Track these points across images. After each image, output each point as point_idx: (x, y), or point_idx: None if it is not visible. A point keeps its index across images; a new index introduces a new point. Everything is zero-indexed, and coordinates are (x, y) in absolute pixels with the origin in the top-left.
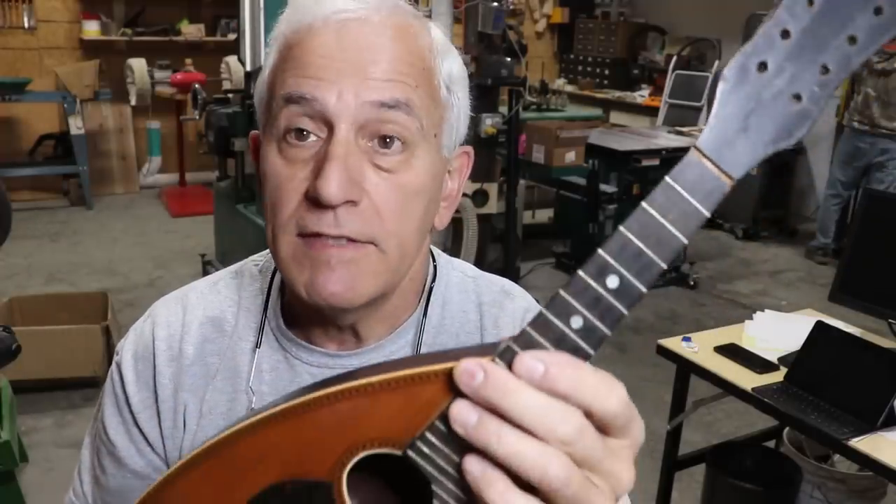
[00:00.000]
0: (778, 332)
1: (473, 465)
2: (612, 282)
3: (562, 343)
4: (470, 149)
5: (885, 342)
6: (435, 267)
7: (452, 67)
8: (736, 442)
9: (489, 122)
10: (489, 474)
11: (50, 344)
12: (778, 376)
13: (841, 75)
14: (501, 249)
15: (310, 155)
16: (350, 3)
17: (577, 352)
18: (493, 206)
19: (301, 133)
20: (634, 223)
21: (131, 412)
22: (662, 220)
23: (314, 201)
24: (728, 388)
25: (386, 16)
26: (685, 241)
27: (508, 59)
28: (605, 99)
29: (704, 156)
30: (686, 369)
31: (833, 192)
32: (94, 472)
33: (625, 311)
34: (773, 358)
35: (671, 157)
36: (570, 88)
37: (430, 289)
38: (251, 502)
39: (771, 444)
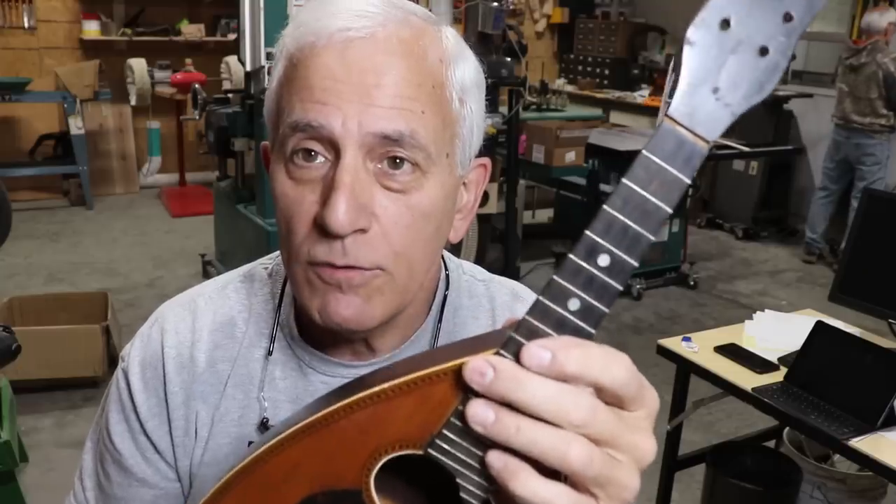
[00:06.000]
0: (778, 332)
1: (495, 460)
2: (604, 260)
3: (562, 327)
4: (487, 160)
5: (885, 342)
6: (447, 275)
7: (465, 74)
8: (736, 442)
9: (489, 122)
10: (511, 466)
11: (50, 344)
12: (778, 376)
13: (805, 20)
14: (501, 249)
15: (318, 175)
16: (355, 20)
17: (578, 333)
18: (493, 206)
19: (309, 153)
20: (617, 199)
21: (139, 420)
22: (644, 193)
23: (323, 230)
24: (728, 388)
25: (393, 31)
26: (669, 210)
27: (508, 59)
28: (605, 99)
29: (678, 123)
30: (686, 369)
31: (822, 185)
32: (98, 479)
33: (620, 287)
34: (773, 358)
35: None
36: (570, 88)
37: (445, 297)
38: None
39: (771, 444)
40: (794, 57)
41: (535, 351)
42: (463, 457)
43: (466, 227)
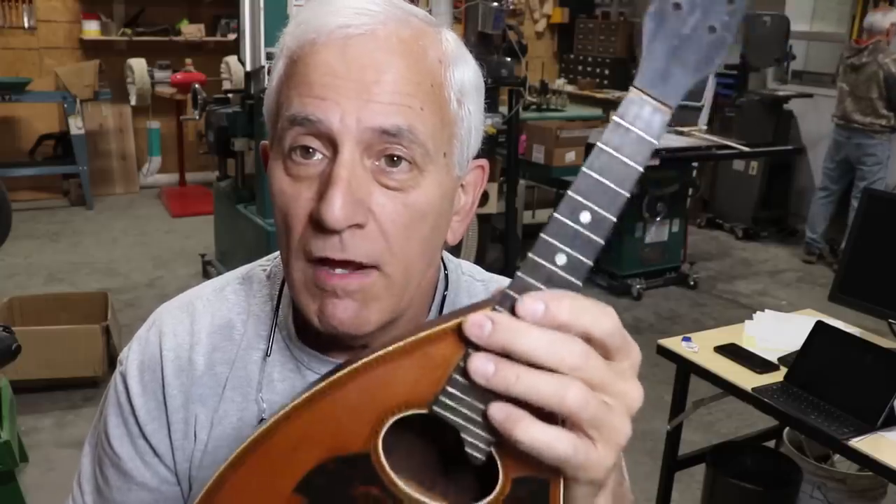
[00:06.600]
0: (778, 332)
1: (497, 411)
2: (585, 217)
3: (552, 280)
4: (485, 162)
5: (885, 342)
6: (446, 275)
7: (464, 76)
8: (736, 442)
9: (489, 122)
10: (513, 415)
11: (50, 344)
12: (778, 376)
13: (743, 3)
14: (501, 249)
15: (316, 173)
16: (355, 18)
17: (566, 286)
18: (493, 206)
19: (307, 150)
20: (595, 161)
21: (138, 423)
22: (618, 155)
23: (319, 225)
24: (728, 388)
25: (393, 29)
26: (640, 169)
27: (508, 59)
28: (605, 99)
29: (644, 92)
30: (686, 369)
31: (822, 185)
32: (97, 483)
33: (601, 242)
34: (773, 358)
35: (671, 157)
36: (570, 88)
37: (444, 297)
38: (298, 488)
39: (771, 444)
40: (794, 57)
41: (529, 303)
42: (466, 411)
43: (464, 230)
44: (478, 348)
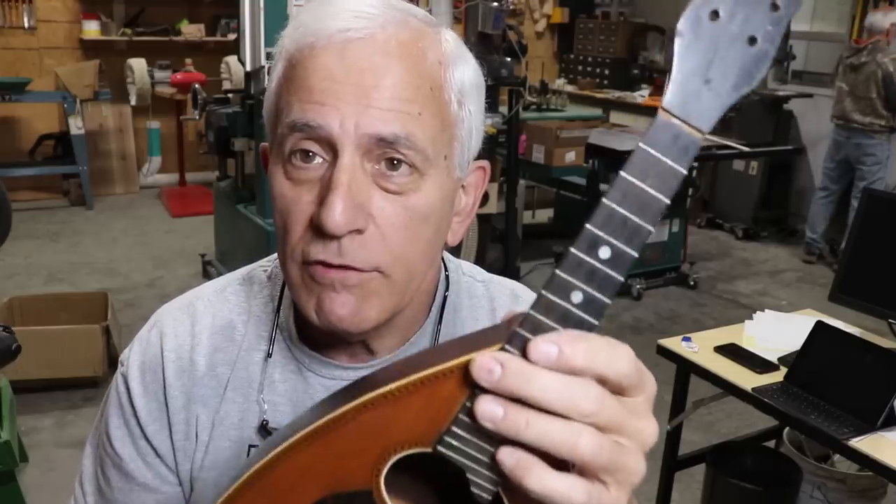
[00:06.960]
0: (778, 332)
1: (506, 457)
2: (604, 252)
3: (567, 320)
4: (486, 163)
5: (885, 342)
6: (447, 276)
7: (465, 77)
8: (736, 442)
9: (489, 122)
10: (524, 462)
11: (50, 344)
12: (778, 376)
13: (791, 9)
14: (501, 249)
15: (316, 176)
16: (354, 21)
17: (582, 325)
18: (493, 206)
19: (307, 154)
20: (616, 192)
21: (139, 424)
22: (642, 185)
23: (319, 230)
24: (728, 388)
25: (392, 32)
26: (667, 201)
27: (508, 59)
28: (605, 99)
29: (673, 115)
30: (686, 369)
31: (822, 185)
32: (98, 484)
33: (621, 278)
34: (773, 358)
35: None
36: (570, 88)
37: (445, 298)
38: None
39: (771, 444)
40: (794, 57)
41: (542, 346)
42: (472, 452)
43: (465, 231)
44: (486, 389)
